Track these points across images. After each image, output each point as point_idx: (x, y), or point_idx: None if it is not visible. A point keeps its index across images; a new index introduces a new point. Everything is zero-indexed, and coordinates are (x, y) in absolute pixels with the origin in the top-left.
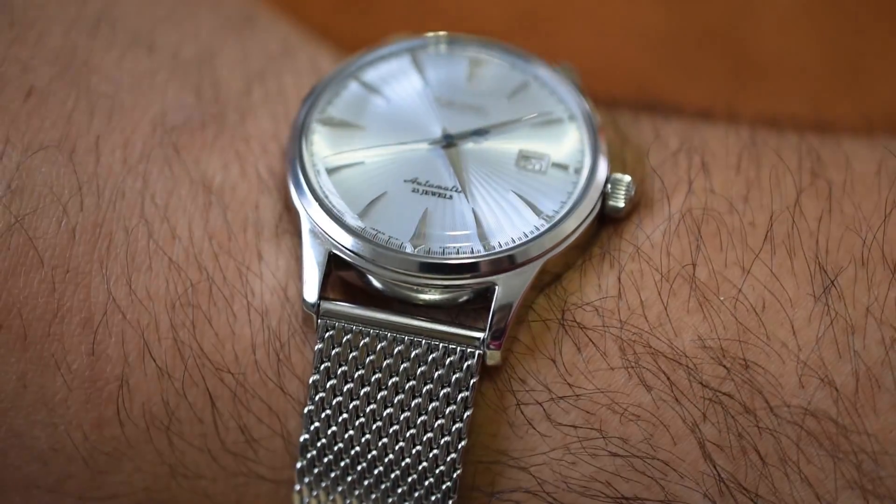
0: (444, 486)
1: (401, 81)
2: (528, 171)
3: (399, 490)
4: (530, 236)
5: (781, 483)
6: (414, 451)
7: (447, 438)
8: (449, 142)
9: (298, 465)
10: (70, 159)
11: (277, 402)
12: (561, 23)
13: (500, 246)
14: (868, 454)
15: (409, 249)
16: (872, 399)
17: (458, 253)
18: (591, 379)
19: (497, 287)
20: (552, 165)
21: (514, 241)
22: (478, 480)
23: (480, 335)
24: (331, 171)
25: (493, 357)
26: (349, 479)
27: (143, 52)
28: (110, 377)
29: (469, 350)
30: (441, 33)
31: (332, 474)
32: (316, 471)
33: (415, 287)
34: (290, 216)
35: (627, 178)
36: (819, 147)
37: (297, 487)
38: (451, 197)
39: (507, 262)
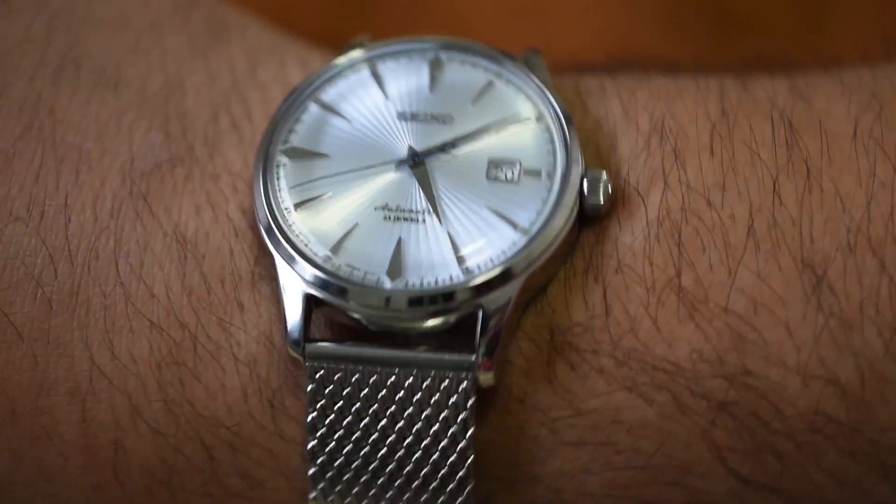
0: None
1: (361, 98)
2: (500, 182)
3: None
4: (509, 253)
5: (801, 476)
6: (421, 474)
7: (453, 458)
8: (416, 160)
9: (311, 495)
10: (39, 224)
11: (277, 446)
12: (552, 13)
13: (479, 268)
14: (886, 446)
15: (386, 285)
16: (881, 392)
17: (437, 283)
18: (591, 397)
19: (481, 310)
20: (524, 173)
21: (492, 262)
22: (493, 497)
23: (471, 357)
24: (298, 206)
25: (487, 379)
26: (364, 496)
27: (110, 91)
28: (104, 442)
29: (462, 374)
30: (400, 39)
31: (347, 497)
32: (330, 498)
33: (398, 321)
34: (266, 260)
35: (604, 173)
36: (791, 110)
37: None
38: (423, 220)
39: (488, 285)
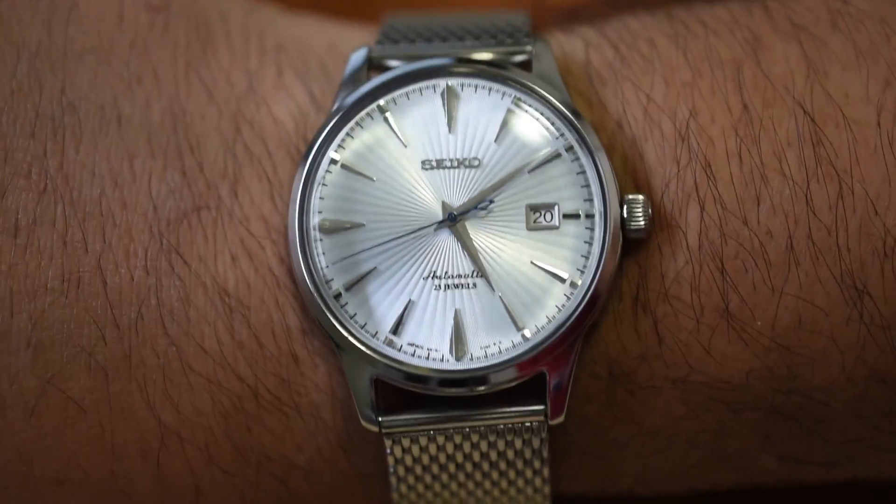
0: None
1: (381, 154)
2: (541, 230)
3: None
4: (564, 311)
5: (842, 450)
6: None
7: (530, 491)
8: (454, 220)
9: None
10: (78, 297)
11: (349, 473)
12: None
13: (538, 329)
14: None
15: (452, 364)
16: None
17: (500, 352)
18: (650, 415)
19: (547, 372)
20: (563, 217)
21: (548, 319)
22: None
23: (540, 407)
24: (348, 289)
25: (557, 421)
26: None
27: (114, 131)
28: (181, 488)
29: (534, 423)
30: (404, 72)
31: None
32: None
33: (465, 394)
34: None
35: (641, 197)
36: (810, 96)
37: None
38: (474, 286)
39: (549, 348)
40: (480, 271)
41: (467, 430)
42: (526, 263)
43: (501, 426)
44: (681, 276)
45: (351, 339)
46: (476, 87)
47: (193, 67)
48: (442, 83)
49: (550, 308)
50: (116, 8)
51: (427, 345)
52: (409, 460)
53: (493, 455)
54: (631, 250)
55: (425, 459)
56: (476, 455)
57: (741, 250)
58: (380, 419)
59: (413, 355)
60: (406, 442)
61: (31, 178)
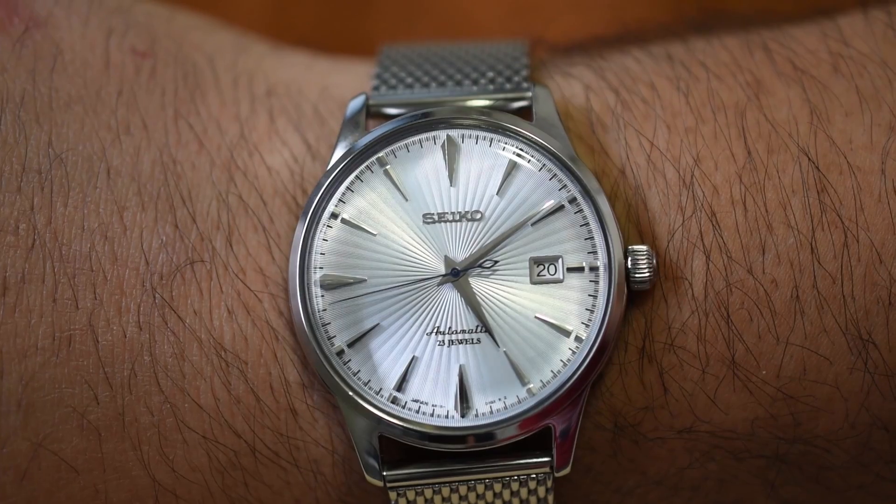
0: None
1: (382, 209)
2: (545, 284)
3: None
4: (570, 365)
5: (843, 493)
6: None
7: None
8: (457, 275)
9: None
10: (69, 356)
11: None
12: (549, 10)
13: (543, 384)
14: None
15: (457, 421)
16: None
17: (505, 407)
18: (654, 463)
19: (553, 426)
20: (567, 271)
21: (553, 374)
22: None
23: (545, 459)
24: (351, 346)
25: (564, 472)
26: None
27: (104, 183)
28: None
29: (541, 476)
30: (405, 108)
31: None
32: None
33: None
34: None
35: (645, 248)
36: (814, 143)
37: None
38: (478, 341)
39: (556, 402)
40: (485, 326)
41: (472, 482)
42: (530, 318)
43: (507, 478)
44: (686, 326)
45: (355, 396)
46: (477, 138)
47: (182, 115)
48: (442, 135)
49: (556, 363)
50: (102, 54)
51: (432, 401)
52: None
53: (500, 502)
54: (636, 301)
55: None
56: (482, 503)
57: (746, 300)
58: (384, 473)
59: (418, 412)
60: (411, 494)
61: (18, 235)
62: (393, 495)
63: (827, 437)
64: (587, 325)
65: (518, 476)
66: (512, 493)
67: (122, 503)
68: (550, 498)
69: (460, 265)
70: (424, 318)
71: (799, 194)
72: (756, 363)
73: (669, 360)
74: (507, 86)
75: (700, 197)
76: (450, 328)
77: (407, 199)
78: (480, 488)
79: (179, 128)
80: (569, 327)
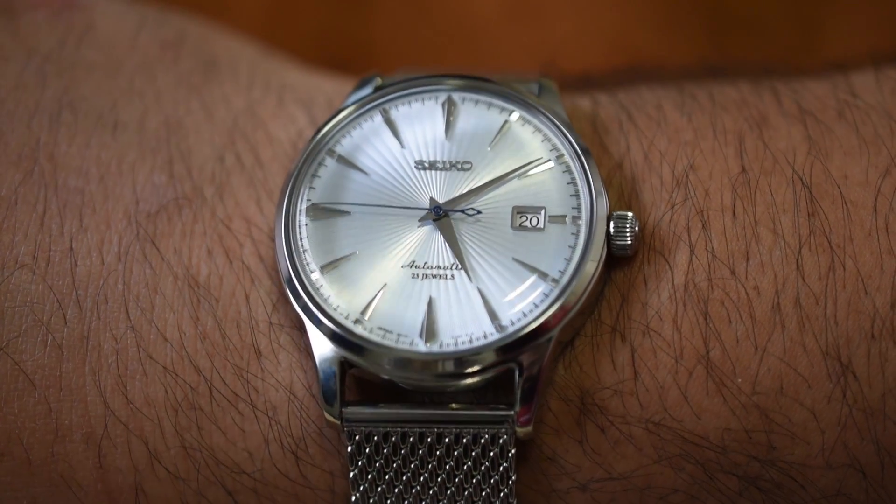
0: None
1: (377, 148)
2: (526, 231)
3: None
4: (542, 307)
5: None
6: None
7: (497, 491)
8: (439, 214)
9: None
10: (45, 271)
11: (301, 491)
12: (550, 13)
13: (513, 323)
14: None
15: (421, 348)
16: None
17: (471, 342)
18: (621, 461)
19: (518, 367)
20: (549, 219)
21: (525, 315)
22: None
23: (509, 412)
24: (325, 268)
25: (525, 433)
26: None
27: (108, 133)
28: (123, 487)
29: (500, 429)
30: (413, 76)
31: None
32: None
33: (434, 381)
34: (285, 309)
35: (630, 214)
36: (809, 171)
37: None
38: (452, 276)
39: (522, 341)
40: (461, 264)
41: (430, 429)
42: (508, 259)
43: (467, 428)
44: (662, 311)
45: (321, 315)
46: (477, 101)
47: (196, 91)
48: (444, 95)
49: (528, 304)
50: (130, 38)
51: (397, 330)
52: (368, 455)
53: (457, 454)
54: (614, 280)
55: (385, 455)
56: (439, 454)
57: (727, 299)
58: (342, 410)
59: (382, 338)
60: (365, 435)
61: (20, 162)
62: (347, 433)
63: (801, 469)
64: (562, 272)
65: (478, 429)
66: (470, 447)
67: (72, 426)
68: (511, 458)
69: (444, 205)
70: (401, 252)
71: (790, 213)
72: (732, 368)
73: (642, 344)
74: (513, 76)
75: (691, 196)
76: (425, 263)
77: (403, 147)
78: (436, 437)
79: (190, 101)
80: (544, 270)
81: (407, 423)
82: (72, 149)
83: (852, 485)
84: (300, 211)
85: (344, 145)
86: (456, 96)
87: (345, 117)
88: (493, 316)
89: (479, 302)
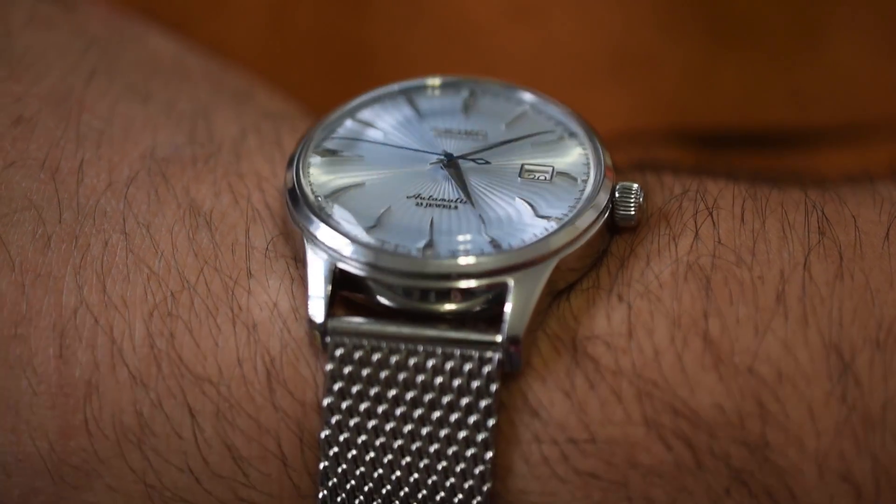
0: (474, 503)
1: (395, 116)
2: (534, 181)
3: None
4: (540, 236)
5: None
6: (439, 466)
7: (473, 450)
8: (450, 160)
9: (321, 494)
10: (52, 177)
11: (268, 418)
12: (550, 13)
13: (511, 246)
14: None
15: (417, 254)
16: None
17: (467, 254)
18: (608, 424)
19: (510, 286)
20: (557, 174)
21: (523, 242)
22: None
23: (496, 338)
24: (330, 195)
25: (512, 361)
26: (378, 494)
27: (138, 101)
28: (79, 382)
29: (487, 355)
30: (435, 77)
31: (357, 501)
32: (339, 499)
33: (426, 295)
34: (286, 242)
35: (635, 185)
36: (823, 205)
37: None
38: (456, 207)
39: (518, 259)
40: (466, 197)
41: (419, 348)
42: (513, 199)
43: (453, 350)
44: (663, 279)
45: (321, 222)
46: (497, 94)
47: (233, 100)
48: (466, 91)
49: (529, 235)
50: (176, 53)
51: (396, 241)
52: (347, 376)
53: (440, 383)
54: (615, 252)
55: (365, 378)
56: (422, 381)
57: (731, 281)
58: (328, 321)
59: (381, 244)
60: (349, 347)
61: (48, 97)
62: (330, 345)
63: (794, 476)
64: (565, 215)
65: (466, 352)
66: (454, 369)
67: (42, 311)
68: (494, 391)
69: (456, 153)
70: (408, 185)
71: (800, 229)
72: (731, 347)
73: (640, 306)
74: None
75: (702, 192)
76: (430, 196)
77: (420, 117)
78: (423, 355)
79: (223, 103)
80: (548, 213)
81: (392, 338)
82: (99, 103)
83: (845, 503)
84: (312, 153)
85: (365, 113)
86: (478, 89)
87: (371, 97)
88: (493, 241)
89: (479, 225)
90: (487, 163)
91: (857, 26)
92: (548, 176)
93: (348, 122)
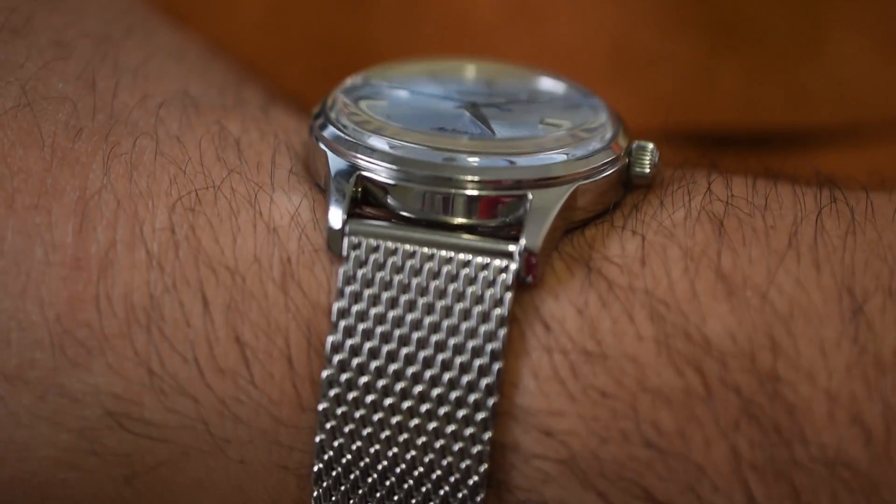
0: (478, 418)
1: (420, 83)
2: (552, 126)
3: (432, 425)
4: (558, 159)
5: None
6: (447, 377)
7: (481, 360)
8: (474, 106)
9: (321, 406)
10: (90, 87)
11: (279, 315)
12: (550, 13)
13: (528, 164)
14: None
15: (438, 158)
16: None
17: (489, 165)
18: (620, 342)
19: (529, 199)
20: (576, 127)
21: (542, 161)
22: (502, 437)
23: (515, 248)
24: (357, 101)
25: (528, 269)
26: (377, 416)
27: (173, 60)
28: (94, 257)
29: (504, 264)
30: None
31: (358, 413)
32: (340, 411)
33: (446, 203)
34: (309, 172)
35: (651, 144)
36: (833, 184)
37: (324, 426)
38: (478, 133)
39: (539, 174)
40: (488, 129)
41: (435, 253)
42: (535, 125)
43: (469, 257)
44: (676, 218)
45: (344, 133)
46: (517, 77)
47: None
48: (490, 71)
49: (547, 156)
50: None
51: (419, 150)
52: (361, 278)
53: (455, 285)
54: (629, 200)
55: (379, 275)
56: (436, 286)
57: (744, 224)
58: (346, 220)
59: (403, 146)
60: (367, 247)
61: (87, 35)
62: (347, 244)
63: (804, 414)
64: (586, 151)
65: (481, 259)
66: (470, 277)
67: (66, 188)
68: (509, 300)
69: (480, 100)
70: (433, 119)
71: (811, 195)
72: (743, 281)
73: (654, 240)
74: None
75: (714, 169)
76: (453, 128)
77: (445, 88)
78: (439, 261)
79: (250, 77)
80: (569, 149)
81: (409, 240)
82: (136, 52)
83: (855, 450)
84: (339, 94)
85: (391, 74)
86: (499, 71)
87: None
88: (512, 156)
89: (501, 144)
90: (510, 111)
91: (857, 26)
92: (567, 127)
93: (374, 80)
